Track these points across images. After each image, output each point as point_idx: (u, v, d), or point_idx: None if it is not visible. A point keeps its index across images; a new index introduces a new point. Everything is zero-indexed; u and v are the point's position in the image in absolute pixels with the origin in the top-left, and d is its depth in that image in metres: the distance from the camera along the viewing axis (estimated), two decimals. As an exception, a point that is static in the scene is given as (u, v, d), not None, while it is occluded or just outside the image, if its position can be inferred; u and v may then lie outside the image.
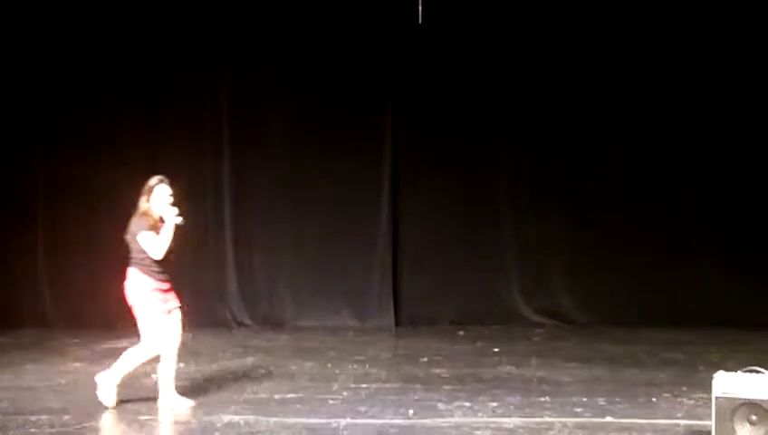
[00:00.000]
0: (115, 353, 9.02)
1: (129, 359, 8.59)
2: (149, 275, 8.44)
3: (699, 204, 13.43)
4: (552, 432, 7.67)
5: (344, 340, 12.55)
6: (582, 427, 7.82)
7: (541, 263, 13.58)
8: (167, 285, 8.54)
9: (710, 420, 7.08)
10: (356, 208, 13.66)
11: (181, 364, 10.67)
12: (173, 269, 8.57)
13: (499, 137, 13.63)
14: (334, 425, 7.89)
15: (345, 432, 7.69)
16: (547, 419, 8.11)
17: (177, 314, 8.64)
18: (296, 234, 13.76)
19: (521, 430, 7.73)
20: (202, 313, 13.53)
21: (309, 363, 10.78)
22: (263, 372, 10.38)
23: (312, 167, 13.61)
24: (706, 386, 7.29)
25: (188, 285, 13.31)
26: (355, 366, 10.60)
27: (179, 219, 8.40)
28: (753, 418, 6.94)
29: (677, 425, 7.84)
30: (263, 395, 9.13)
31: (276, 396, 9.07)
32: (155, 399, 8.69)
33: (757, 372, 7.07)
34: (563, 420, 8.05)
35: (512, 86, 13.58)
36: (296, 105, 13.64)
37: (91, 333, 12.54)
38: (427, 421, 8.05)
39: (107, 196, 12.62)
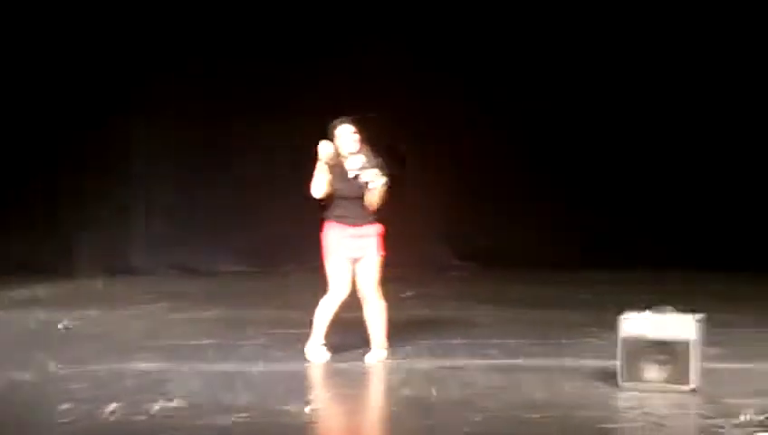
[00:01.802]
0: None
1: (320, 311, 8.21)
2: (329, 218, 8.13)
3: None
4: (464, 373, 7.72)
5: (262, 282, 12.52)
6: (495, 369, 7.89)
7: (460, 203, 13.57)
8: (351, 230, 8.12)
9: (618, 360, 7.19)
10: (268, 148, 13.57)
11: (91, 311, 10.64)
12: (362, 213, 8.05)
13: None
14: (247, 371, 7.86)
15: (259, 379, 7.66)
16: (460, 361, 8.17)
17: (345, 262, 8.09)
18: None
19: (433, 372, 7.77)
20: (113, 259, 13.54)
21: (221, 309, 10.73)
22: (176, 317, 10.30)
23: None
24: (615, 326, 7.37)
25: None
26: (269, 312, 10.57)
27: (356, 162, 8.00)
28: (661, 357, 7.04)
29: (586, 365, 7.93)
30: (176, 341, 9.06)
31: (192, 342, 9.00)
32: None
33: (664, 310, 7.16)
34: (476, 362, 8.12)
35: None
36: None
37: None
38: (344, 365, 8.06)
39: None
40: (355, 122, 8.16)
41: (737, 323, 9.57)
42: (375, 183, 8.02)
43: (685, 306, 7.34)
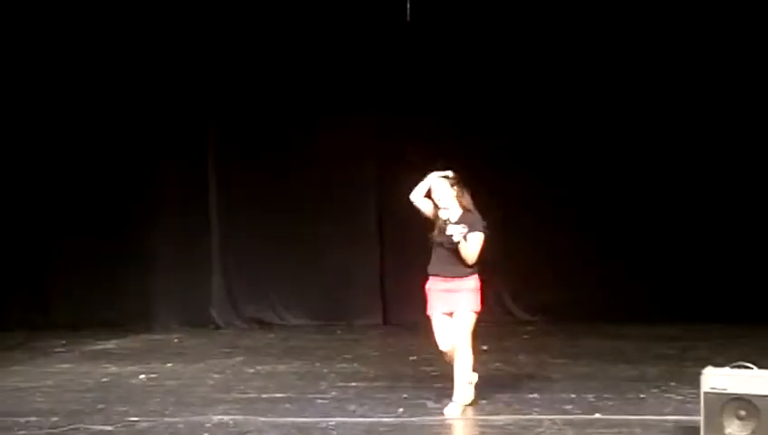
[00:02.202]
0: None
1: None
2: (430, 271, 8.33)
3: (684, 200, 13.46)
4: (540, 429, 7.66)
5: (332, 338, 12.54)
6: (571, 424, 7.81)
7: (528, 260, 13.55)
8: (442, 284, 8.22)
9: (699, 415, 7.09)
10: (342, 208, 13.65)
11: (169, 364, 10.75)
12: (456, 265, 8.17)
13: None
14: (323, 424, 7.87)
15: (334, 432, 7.67)
16: (536, 416, 8.12)
17: (443, 318, 8.24)
18: (281, 234, 13.72)
19: (510, 427, 7.72)
20: (190, 314, 13.67)
21: (297, 362, 10.76)
22: (251, 371, 10.36)
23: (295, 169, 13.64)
24: (695, 382, 7.29)
25: (176, 287, 13.70)
26: (343, 365, 10.59)
27: (444, 214, 8.14)
28: (742, 413, 6.92)
29: (666, 421, 7.84)
30: (251, 395, 9.11)
31: (264, 395, 9.05)
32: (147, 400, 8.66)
33: (746, 367, 7.07)
34: (552, 417, 8.06)
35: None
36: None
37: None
38: (416, 419, 8.05)
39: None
40: (452, 175, 8.27)
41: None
42: (456, 238, 8.04)
43: (763, 362, 7.25)
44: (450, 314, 8.22)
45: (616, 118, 13.45)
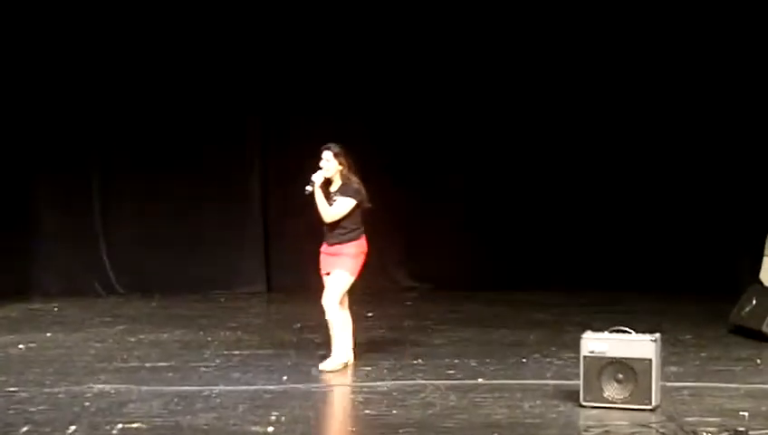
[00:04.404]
0: None
1: None
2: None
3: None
4: (424, 394, 7.74)
5: (215, 307, 12.47)
6: (455, 389, 7.91)
7: (412, 228, 13.64)
8: (326, 248, 8.66)
9: (579, 379, 7.24)
10: (226, 177, 13.58)
11: (48, 334, 10.55)
12: (336, 232, 8.59)
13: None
14: (207, 392, 7.83)
15: (218, 399, 7.64)
16: (420, 381, 8.20)
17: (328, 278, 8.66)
18: (165, 205, 13.59)
19: (395, 393, 7.78)
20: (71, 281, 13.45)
21: (180, 331, 10.68)
22: (133, 340, 10.24)
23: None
24: (574, 346, 7.44)
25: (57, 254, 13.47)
26: (227, 333, 10.54)
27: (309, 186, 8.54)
28: (620, 376, 7.11)
29: (547, 385, 7.99)
30: (134, 363, 9.01)
31: (147, 364, 8.96)
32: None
33: (624, 331, 7.24)
34: (436, 382, 8.15)
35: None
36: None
37: None
38: (301, 386, 8.06)
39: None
40: (335, 148, 8.56)
41: (692, 343, 9.69)
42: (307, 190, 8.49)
43: (640, 326, 7.43)
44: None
45: (492, 87, 13.58)
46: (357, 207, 8.55)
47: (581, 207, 13.58)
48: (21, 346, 9.85)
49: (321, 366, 8.54)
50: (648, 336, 7.20)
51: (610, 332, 7.26)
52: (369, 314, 11.38)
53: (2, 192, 13.22)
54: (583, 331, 7.37)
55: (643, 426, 6.77)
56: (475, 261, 13.49)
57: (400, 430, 6.74)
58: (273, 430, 6.79)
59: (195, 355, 9.34)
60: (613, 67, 13.35)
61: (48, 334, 10.58)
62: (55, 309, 12.35)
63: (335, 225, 8.55)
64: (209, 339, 10.20)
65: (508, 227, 13.63)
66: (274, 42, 13.57)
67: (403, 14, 13.47)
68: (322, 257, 8.69)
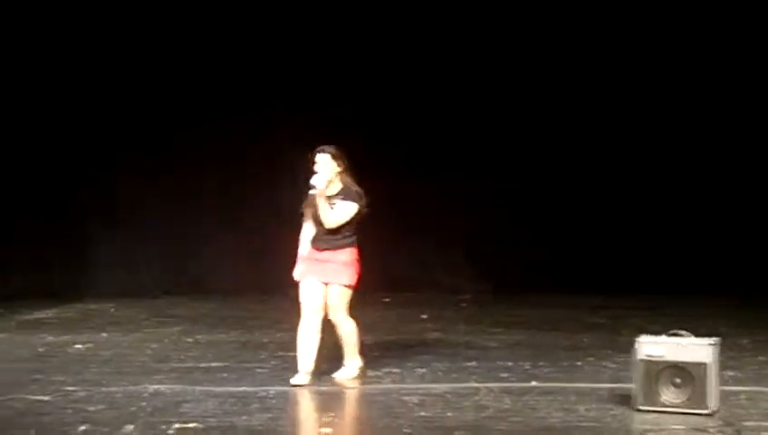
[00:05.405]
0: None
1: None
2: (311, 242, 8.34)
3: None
4: (478, 397, 7.72)
5: (270, 308, 12.52)
6: (508, 392, 7.89)
7: (467, 234, 13.63)
8: (316, 254, 8.24)
9: (633, 383, 7.18)
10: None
11: (104, 334, 10.66)
12: (328, 237, 8.21)
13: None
14: (262, 393, 7.87)
15: (273, 400, 7.67)
16: (474, 384, 8.18)
17: (312, 283, 8.24)
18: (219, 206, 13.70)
19: (449, 396, 7.77)
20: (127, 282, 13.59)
21: (235, 332, 10.73)
22: (189, 341, 10.32)
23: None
24: (629, 350, 7.38)
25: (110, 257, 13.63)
26: (283, 334, 10.57)
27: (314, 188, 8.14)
28: (677, 380, 7.04)
29: (601, 388, 7.93)
30: (189, 364, 9.07)
31: (202, 365, 9.01)
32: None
33: (680, 335, 7.17)
34: (490, 384, 8.13)
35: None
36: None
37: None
38: (356, 388, 8.07)
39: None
40: (331, 149, 8.25)
41: (751, 348, 9.59)
42: (316, 188, 8.09)
43: (697, 330, 7.36)
44: (326, 284, 8.25)
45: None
46: (357, 212, 8.24)
47: (640, 209, 13.55)
48: (78, 346, 9.97)
49: (338, 377, 8.33)
50: (706, 340, 7.13)
51: (668, 335, 7.19)
52: (424, 317, 11.38)
53: (56, 193, 13.38)
54: (639, 334, 7.32)
55: (700, 431, 6.70)
56: (531, 264, 13.47)
57: (455, 433, 6.72)
58: (330, 432, 6.81)
59: (250, 356, 9.39)
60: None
61: (104, 334, 10.69)
62: (112, 310, 12.48)
63: (332, 229, 8.20)
64: (265, 340, 10.25)
65: (565, 231, 13.66)
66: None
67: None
68: (308, 262, 8.26)
